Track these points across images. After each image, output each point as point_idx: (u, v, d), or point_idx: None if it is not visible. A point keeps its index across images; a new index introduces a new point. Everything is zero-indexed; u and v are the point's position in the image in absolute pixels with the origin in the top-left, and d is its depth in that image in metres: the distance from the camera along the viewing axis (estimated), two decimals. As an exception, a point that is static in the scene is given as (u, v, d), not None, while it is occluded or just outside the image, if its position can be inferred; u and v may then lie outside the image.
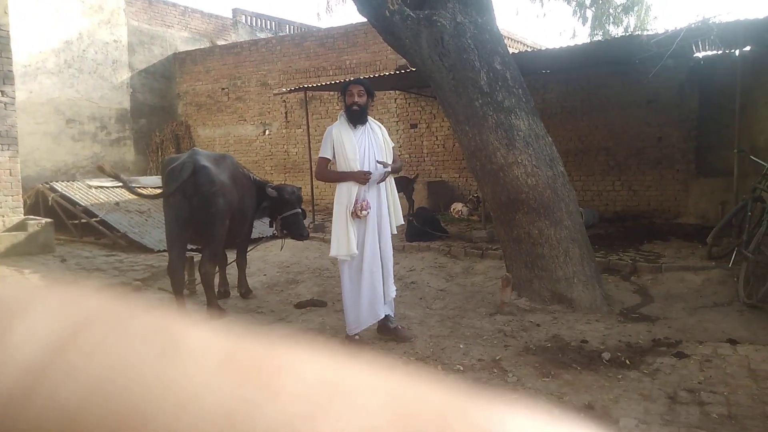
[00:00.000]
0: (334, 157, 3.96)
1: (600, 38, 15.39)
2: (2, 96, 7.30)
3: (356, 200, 3.85)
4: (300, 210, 5.37)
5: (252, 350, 0.22)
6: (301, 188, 5.68)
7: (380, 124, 4.21)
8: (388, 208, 4.04)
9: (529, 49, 12.69)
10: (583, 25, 16.39)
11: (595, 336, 4.03)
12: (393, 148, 4.19)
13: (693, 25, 6.30)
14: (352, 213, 3.83)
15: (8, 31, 7.36)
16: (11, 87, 7.41)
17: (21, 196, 7.61)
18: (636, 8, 16.24)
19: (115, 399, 0.19)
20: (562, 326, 4.29)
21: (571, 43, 12.73)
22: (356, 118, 3.93)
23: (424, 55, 4.82)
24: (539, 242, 4.80)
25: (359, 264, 3.89)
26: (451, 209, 9.86)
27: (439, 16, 4.75)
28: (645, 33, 9.20)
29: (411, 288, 5.67)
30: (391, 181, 4.11)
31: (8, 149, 7.37)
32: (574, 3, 16.11)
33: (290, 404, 0.19)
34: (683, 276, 5.39)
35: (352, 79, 4.24)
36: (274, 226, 5.49)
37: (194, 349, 0.21)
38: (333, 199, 4.03)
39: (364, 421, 0.19)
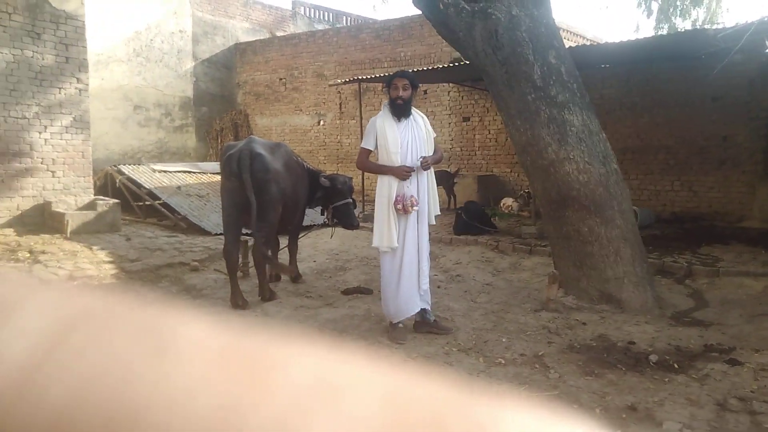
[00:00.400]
0: (376, 148, 3.98)
1: (665, 32, 14.80)
2: (77, 83, 7.76)
3: (402, 195, 3.85)
4: (351, 200, 5.49)
5: (246, 347, 0.21)
6: (352, 178, 5.79)
7: (423, 115, 4.18)
8: (427, 199, 4.04)
9: (589, 43, 12.36)
10: (648, 17, 15.75)
11: (644, 338, 3.96)
12: (435, 138, 4.19)
13: (766, 19, 6.00)
14: (399, 209, 3.84)
15: (84, 22, 7.80)
16: (86, 75, 7.87)
17: (92, 177, 8.09)
18: (705, 0, 15.49)
19: (107, 397, 0.19)
20: (610, 326, 4.23)
21: (634, 36, 12.30)
22: (400, 111, 3.93)
23: (478, 48, 4.82)
24: (589, 240, 4.73)
25: (400, 255, 3.91)
26: (501, 204, 9.78)
27: (494, 8, 4.73)
28: (713, 27, 8.79)
29: (456, 281, 5.70)
30: (430, 172, 4.09)
31: (81, 133, 7.84)
32: (638, -6, 15.52)
33: (283, 401, 0.19)
34: (742, 281, 5.19)
35: (398, 71, 4.22)
36: (325, 214, 5.62)
37: (187, 346, 0.21)
38: None
39: (358, 419, 0.19)
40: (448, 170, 9.90)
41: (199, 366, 0.20)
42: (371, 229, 7.85)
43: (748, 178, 8.64)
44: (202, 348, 0.21)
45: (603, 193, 4.70)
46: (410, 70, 9.26)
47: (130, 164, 9.82)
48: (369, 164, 4.09)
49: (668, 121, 9.17)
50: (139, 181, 8.73)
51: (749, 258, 6.01)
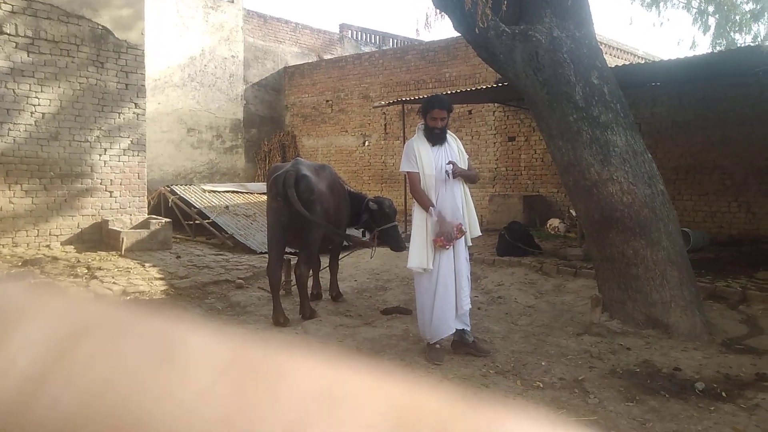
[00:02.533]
0: (417, 168, 3.99)
1: (723, 48, 14.31)
2: (136, 108, 8.21)
3: (445, 233, 3.83)
4: (396, 223, 5.55)
5: (251, 357, 0.22)
6: (392, 200, 5.82)
7: (455, 136, 4.23)
8: (464, 219, 4.03)
9: (640, 60, 12.11)
10: (704, 34, 15.25)
11: (690, 364, 3.81)
12: (468, 159, 4.23)
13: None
14: (440, 246, 3.84)
15: (143, 51, 8.27)
16: (143, 100, 8.31)
17: (146, 197, 8.49)
18: (767, 14, 14.91)
19: (115, 405, 0.19)
20: (655, 352, 4.09)
21: (691, 53, 11.97)
22: (437, 139, 4.00)
23: (518, 70, 4.83)
24: (634, 263, 4.61)
25: (435, 277, 3.92)
26: (548, 225, 9.63)
27: (534, 30, 4.74)
28: (770, 43, 8.47)
29: (497, 303, 5.64)
30: (467, 192, 4.12)
31: (138, 155, 8.26)
32: (694, 10, 15.10)
33: (288, 411, 0.19)
34: (801, 308, 4.92)
35: (434, 97, 4.24)
36: (368, 236, 5.63)
37: (193, 356, 0.21)
38: None
39: (362, 427, 0.19)
40: None
41: (205, 376, 0.20)
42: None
43: (811, 200, 8.20)
44: (208, 358, 0.21)
45: (648, 215, 4.58)
46: (455, 91, 9.35)
47: (182, 184, 10.24)
48: (424, 196, 3.98)
49: (724, 141, 8.84)
50: (189, 200, 9.09)
51: (811, 283, 5.69)
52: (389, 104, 10.24)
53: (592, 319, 4.63)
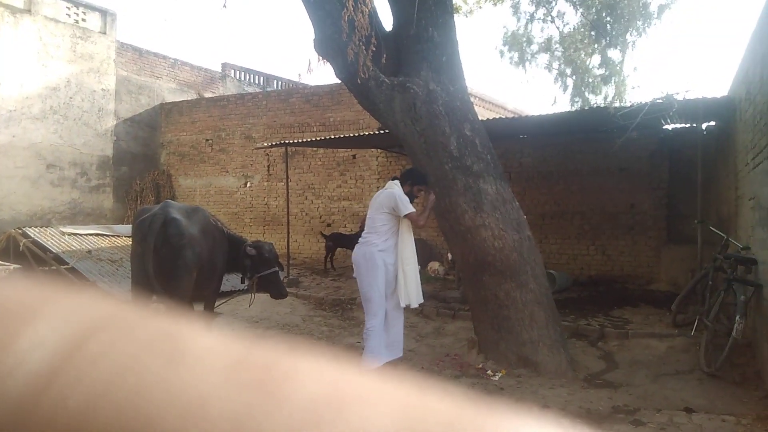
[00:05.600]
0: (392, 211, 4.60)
1: (579, 105, 15.98)
2: (-18, 140, 7.33)
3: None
4: (277, 267, 5.34)
5: (258, 358, 0.22)
6: (273, 244, 5.65)
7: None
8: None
9: (510, 114, 13.14)
10: (564, 92, 16.99)
11: (557, 401, 4.02)
12: None
13: (657, 100, 6.61)
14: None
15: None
16: (-8, 132, 7.46)
17: (-9, 240, 7.52)
18: (614, 79, 16.98)
19: (122, 405, 0.19)
20: (526, 391, 4.28)
21: (552, 110, 13.21)
22: (412, 199, 4.75)
23: (397, 119, 4.99)
24: (505, 304, 4.84)
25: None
26: (428, 268, 9.90)
27: (412, 83, 4.95)
28: (615, 105, 9.59)
29: (379, 347, 5.61)
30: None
31: (-18, 193, 7.33)
32: (555, 71, 16.78)
33: (296, 412, 0.19)
34: (648, 343, 5.43)
35: (425, 174, 4.91)
36: (246, 282, 5.39)
37: (201, 356, 0.21)
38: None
39: (370, 430, 0.19)
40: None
41: (212, 376, 0.20)
42: (296, 295, 7.70)
43: (654, 243, 9.23)
44: (215, 359, 0.21)
45: (517, 259, 4.86)
46: (339, 136, 9.49)
47: (38, 226, 9.24)
48: (426, 213, 4.78)
49: (581, 189, 9.75)
50: (45, 244, 8.19)
51: (656, 320, 6.33)
52: (272, 146, 10.11)
53: (468, 360, 4.75)
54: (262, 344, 0.23)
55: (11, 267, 7.23)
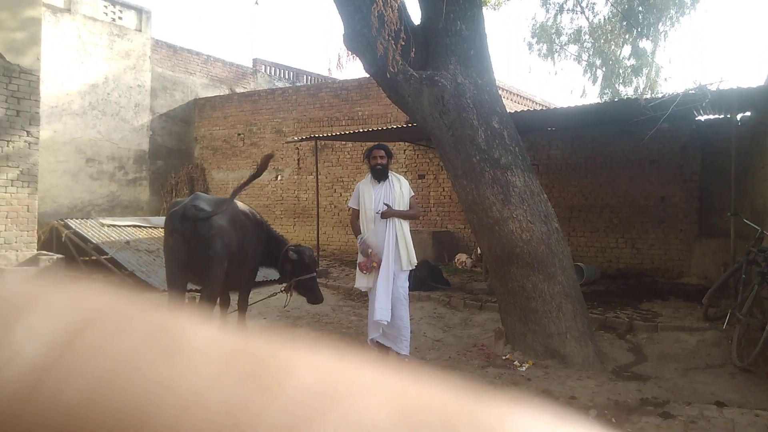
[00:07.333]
0: (358, 205, 4.84)
1: (609, 97, 15.73)
2: (27, 136, 7.67)
3: (366, 261, 4.68)
4: (315, 273, 5.36)
5: (255, 350, 0.22)
6: (312, 249, 5.65)
7: (401, 178, 5.01)
8: (398, 252, 4.66)
9: (538, 107, 13.03)
10: (593, 84, 16.73)
11: (585, 393, 4.06)
12: (413, 196, 4.99)
13: (690, 91, 6.51)
14: (360, 268, 4.71)
15: (38, 77, 7.79)
16: (36, 128, 7.79)
17: (36, 231, 7.87)
18: (645, 70, 16.63)
19: (118, 398, 0.19)
20: (553, 382, 4.32)
21: (581, 101, 13.05)
22: (379, 175, 4.83)
23: (425, 113, 5.05)
24: (533, 296, 4.87)
25: (373, 294, 4.74)
26: (456, 260, 9.96)
27: (440, 76, 5.01)
28: (647, 96, 9.45)
29: (407, 337, 5.71)
30: (403, 228, 4.76)
31: (28, 186, 7.67)
32: (584, 63, 16.52)
33: (291, 405, 0.19)
34: (678, 336, 5.40)
35: (375, 144, 5.02)
36: (284, 283, 5.35)
37: (197, 348, 0.21)
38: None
39: (366, 422, 0.19)
40: None
41: (209, 369, 0.20)
42: (325, 285, 7.87)
43: (685, 236, 9.10)
44: (212, 351, 0.21)
45: (545, 251, 4.88)
46: (368, 129, 9.59)
47: (79, 218, 9.60)
48: (354, 225, 4.93)
49: (610, 182, 9.66)
50: (86, 235, 8.52)
51: (686, 313, 6.27)
52: (302, 140, 10.28)
53: (495, 351, 4.82)
54: (259, 336, 0.23)
55: (54, 257, 7.56)
